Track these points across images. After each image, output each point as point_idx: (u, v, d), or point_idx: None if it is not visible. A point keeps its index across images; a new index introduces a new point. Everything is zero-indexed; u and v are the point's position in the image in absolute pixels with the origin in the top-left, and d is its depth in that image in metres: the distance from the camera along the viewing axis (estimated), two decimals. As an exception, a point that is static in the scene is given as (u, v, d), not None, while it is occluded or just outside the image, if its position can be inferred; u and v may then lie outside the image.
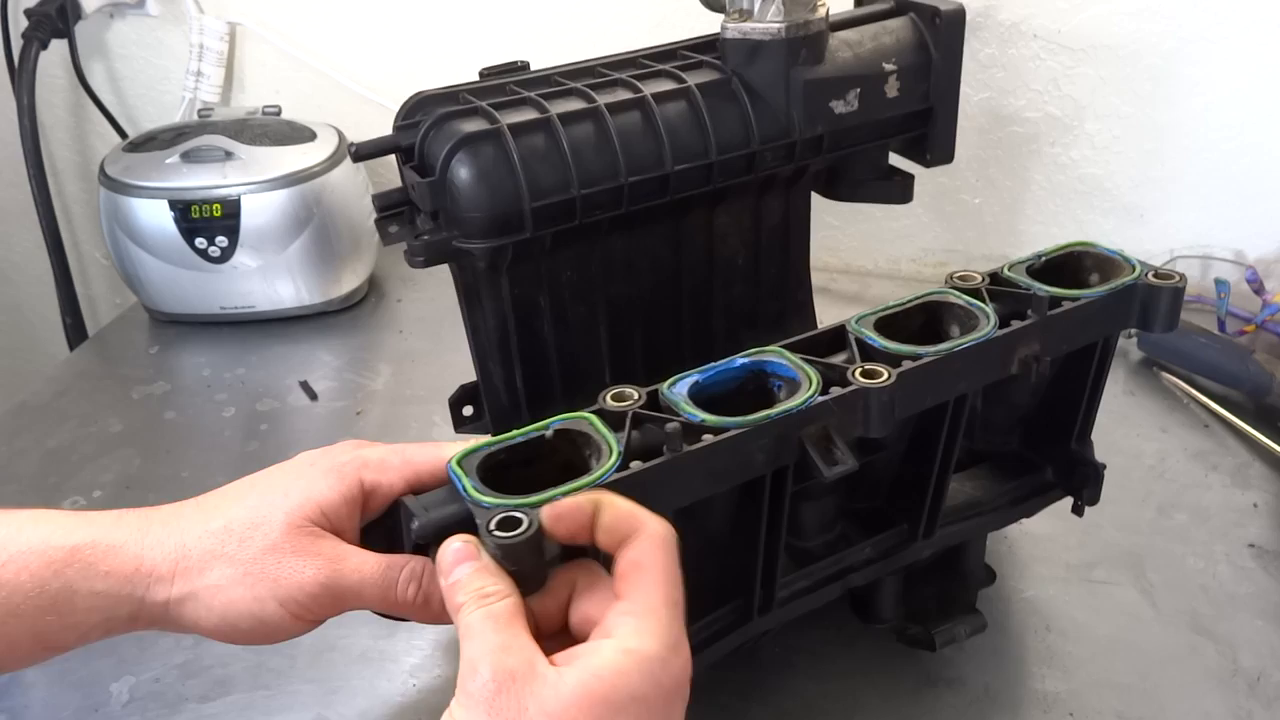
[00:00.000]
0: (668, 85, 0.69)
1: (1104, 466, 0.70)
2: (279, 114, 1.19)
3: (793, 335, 0.60)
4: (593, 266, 0.71)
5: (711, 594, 0.62)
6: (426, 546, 0.51)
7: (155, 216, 1.07)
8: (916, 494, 0.64)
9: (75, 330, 1.36)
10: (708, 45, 0.74)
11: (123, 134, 1.34)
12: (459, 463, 0.50)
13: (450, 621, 0.46)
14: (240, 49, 1.30)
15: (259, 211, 1.06)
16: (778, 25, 0.69)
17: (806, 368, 0.55)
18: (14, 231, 1.47)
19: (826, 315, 1.06)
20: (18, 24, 1.28)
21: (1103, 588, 0.76)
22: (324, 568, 0.51)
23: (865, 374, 0.54)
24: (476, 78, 0.70)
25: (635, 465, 0.50)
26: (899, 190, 0.81)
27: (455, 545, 0.46)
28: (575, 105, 0.66)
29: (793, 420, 0.53)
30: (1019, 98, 1.09)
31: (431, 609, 0.52)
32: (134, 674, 0.71)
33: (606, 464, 0.50)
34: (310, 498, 0.53)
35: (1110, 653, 0.71)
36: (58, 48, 1.30)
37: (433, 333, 1.11)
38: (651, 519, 0.46)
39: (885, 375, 0.54)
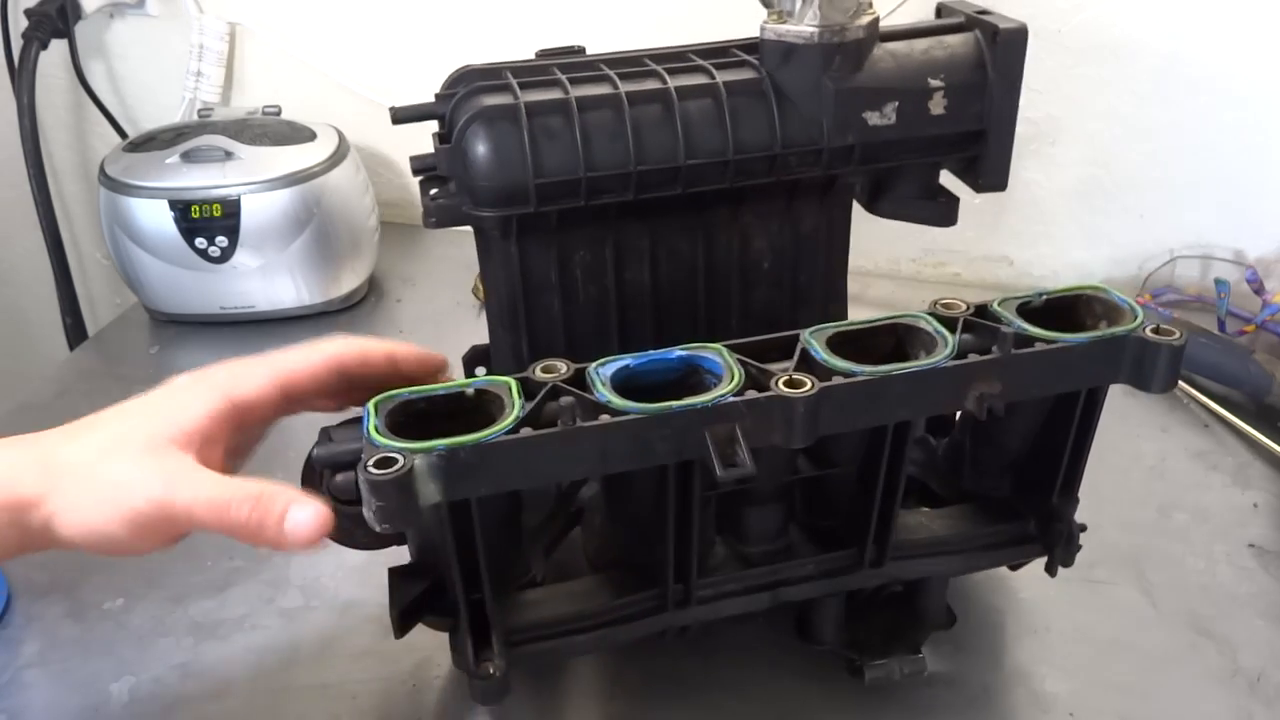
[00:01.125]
0: (697, 80, 0.69)
1: (1083, 528, 0.67)
2: (279, 114, 1.19)
3: None
4: (606, 250, 0.72)
5: (636, 578, 0.63)
6: (321, 474, 0.55)
7: (155, 216, 1.06)
8: (864, 518, 0.63)
9: (75, 330, 1.36)
10: (755, 45, 0.73)
11: (123, 134, 1.34)
12: (375, 405, 0.53)
13: (287, 549, 0.52)
14: (240, 49, 1.30)
15: (259, 211, 1.06)
16: (812, 29, 0.67)
17: (735, 368, 0.55)
18: (14, 231, 1.47)
19: (826, 315, 1.06)
20: (18, 24, 1.28)
21: (1103, 588, 0.76)
22: (161, 482, 0.52)
23: (789, 383, 0.54)
24: (534, 56, 0.72)
25: (525, 431, 0.52)
26: (942, 213, 0.78)
27: None
28: (599, 90, 0.68)
29: (696, 415, 0.53)
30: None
31: (266, 533, 0.53)
32: (134, 674, 0.71)
33: (500, 425, 0.52)
34: (173, 417, 0.54)
35: (1110, 653, 0.71)
36: (58, 48, 1.30)
37: (433, 333, 1.11)
38: None
39: (808, 385, 0.53)
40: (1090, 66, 1.06)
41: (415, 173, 0.71)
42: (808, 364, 0.57)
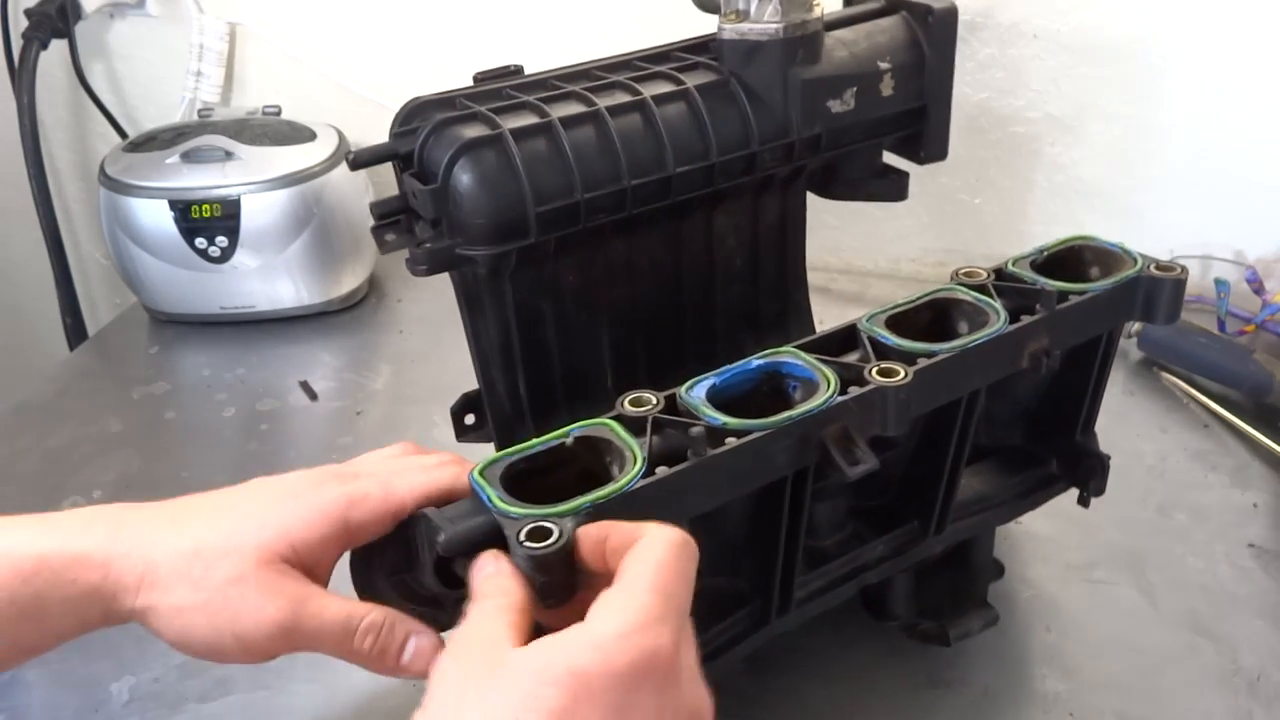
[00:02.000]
0: (666, 87, 0.69)
1: (1109, 458, 0.70)
2: (279, 114, 1.19)
3: (792, 334, 0.60)
4: (595, 271, 0.71)
5: (728, 599, 0.61)
6: (451, 560, 0.49)
7: (155, 216, 1.07)
8: (929, 490, 0.64)
9: (75, 330, 1.36)
10: (701, 46, 0.74)
11: (123, 134, 1.34)
12: (481, 474, 0.50)
13: (404, 675, 0.49)
14: (240, 49, 1.30)
15: (259, 211, 1.06)
16: (775, 25, 0.69)
17: (823, 368, 0.56)
18: (14, 231, 1.47)
19: (827, 315, 1.06)
20: (18, 24, 1.28)
21: (1103, 588, 0.76)
22: (284, 609, 0.50)
23: (882, 373, 0.55)
24: (470, 82, 0.70)
25: (661, 470, 0.50)
26: (895, 188, 0.82)
27: (488, 555, 0.47)
28: (576, 109, 0.66)
29: (813, 421, 0.53)
30: (1019, 98, 1.09)
31: (386, 662, 0.52)
32: (134, 674, 0.71)
33: (631, 471, 0.49)
34: (285, 532, 0.51)
35: (1110, 653, 0.71)
36: (58, 48, 1.30)
37: (433, 333, 1.11)
38: (655, 525, 0.45)
39: (903, 374, 0.55)
40: (1090, 66, 1.06)
41: (380, 218, 0.67)
42: (880, 351, 0.57)
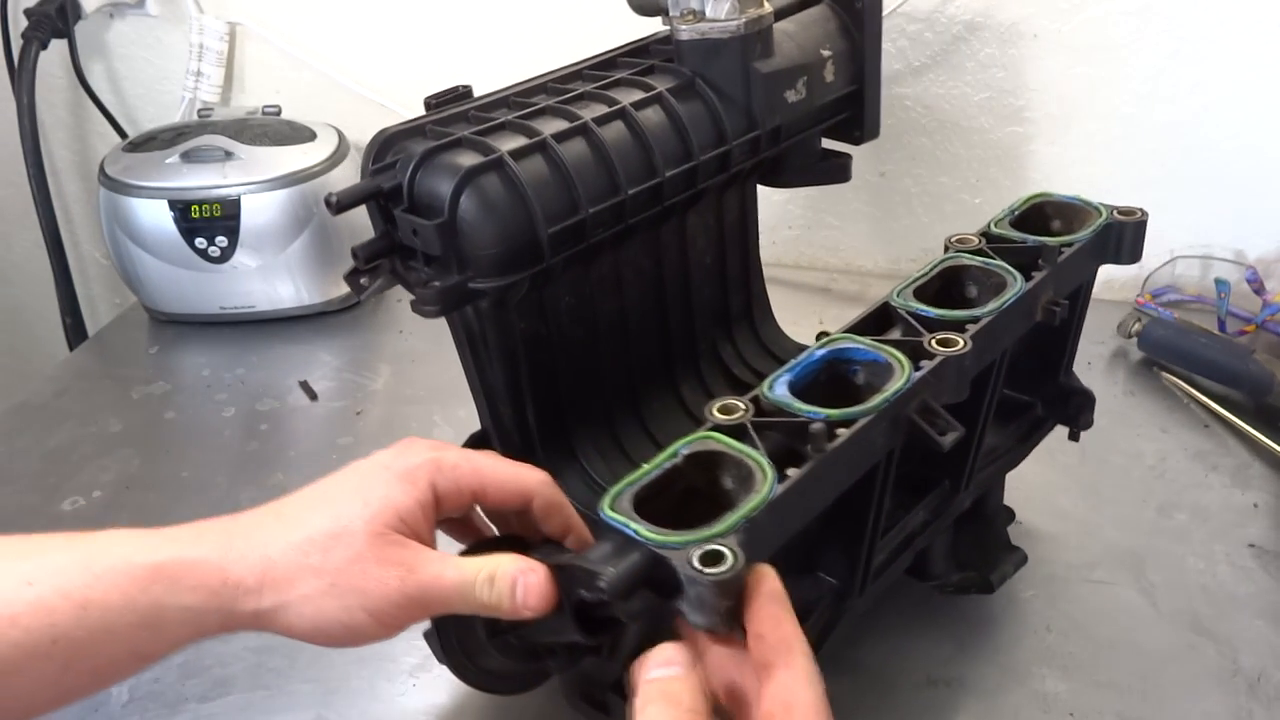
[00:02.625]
0: (638, 94, 0.69)
1: (1093, 392, 0.74)
2: (279, 114, 1.19)
3: (757, 325, 0.60)
4: (589, 288, 0.70)
5: (805, 580, 0.62)
6: (609, 604, 0.47)
7: (155, 216, 1.07)
8: (959, 450, 0.65)
9: (75, 330, 1.36)
10: (643, 49, 0.76)
11: (123, 134, 1.34)
12: (612, 509, 0.48)
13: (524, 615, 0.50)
14: (240, 49, 1.30)
15: (259, 211, 1.06)
16: (735, 22, 0.70)
17: (885, 348, 0.56)
18: (14, 231, 1.47)
19: (827, 316, 1.07)
20: (18, 24, 1.28)
21: (1103, 588, 0.76)
22: (406, 577, 0.51)
23: (942, 343, 0.56)
24: (424, 109, 0.67)
25: (792, 472, 0.49)
26: (839, 170, 0.85)
27: (668, 651, 0.46)
28: (561, 124, 0.65)
29: (903, 399, 0.53)
30: (1019, 98, 1.09)
31: (504, 606, 0.52)
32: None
33: (766, 479, 0.48)
34: (388, 504, 0.52)
35: (1110, 653, 0.71)
36: (58, 48, 1.30)
37: (433, 333, 1.10)
38: (800, 650, 0.44)
39: (962, 342, 0.56)
40: (1090, 66, 1.06)
41: (367, 261, 0.63)
42: (926, 324, 0.59)
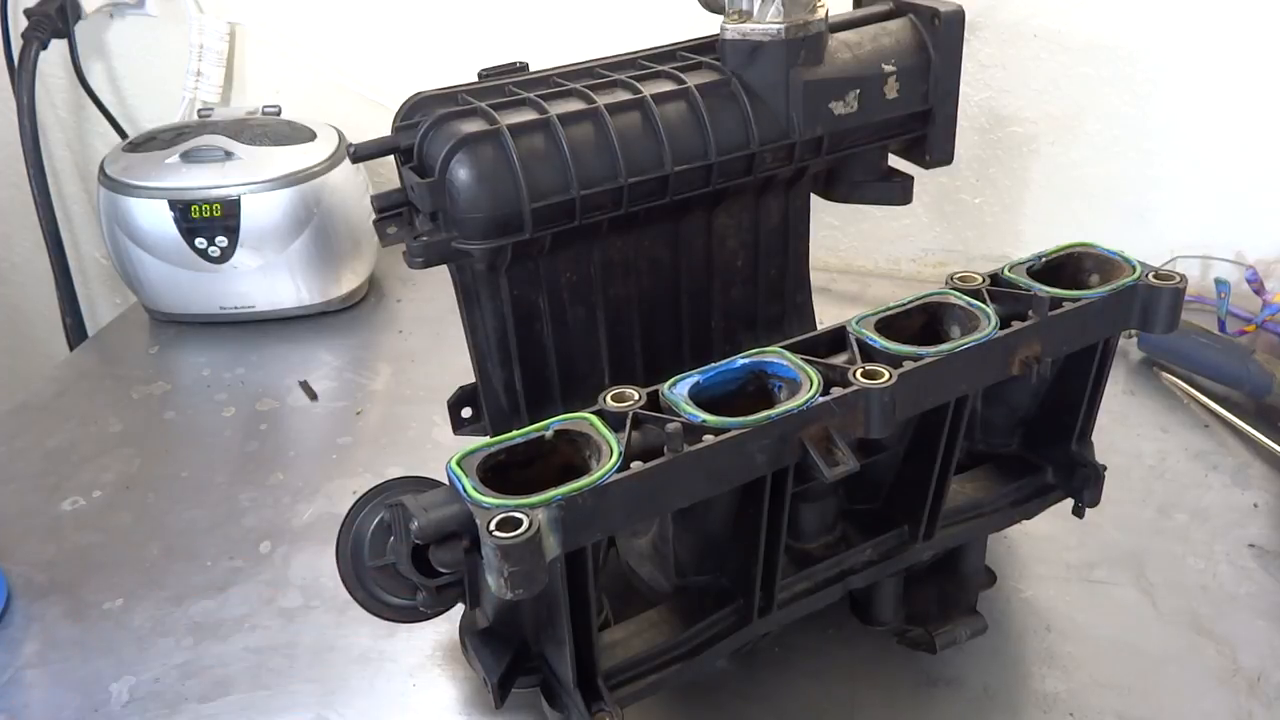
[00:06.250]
0: (667, 86, 0.69)
1: (1104, 468, 0.70)
2: (279, 114, 1.19)
3: (792, 337, 0.60)
4: (591, 268, 0.71)
5: (711, 597, 0.62)
6: (425, 548, 0.51)
7: (155, 216, 1.07)
8: (917, 495, 0.64)
9: (75, 330, 1.36)
10: (706, 46, 0.74)
11: (123, 134, 1.34)
12: (459, 463, 0.51)
13: None
14: (240, 49, 1.30)
15: (259, 211, 1.06)
16: (777, 26, 0.69)
17: (807, 368, 0.56)
18: (14, 231, 1.47)
19: (827, 315, 1.06)
20: (18, 24, 1.28)
21: (1103, 588, 0.76)
22: None
23: (866, 374, 0.55)
24: (475, 78, 0.70)
25: (636, 465, 0.50)
26: (899, 191, 0.81)
27: None
28: (574, 106, 0.66)
29: (794, 420, 0.53)
30: (1019, 98, 1.09)
31: None
32: (134, 674, 0.71)
33: (607, 464, 0.50)
34: None
35: (1110, 653, 0.71)
36: (58, 48, 1.30)
37: (433, 333, 1.11)
38: None
39: (886, 376, 0.54)
40: (1090, 66, 1.06)
41: (380, 211, 0.67)
42: (867, 353, 0.57)
